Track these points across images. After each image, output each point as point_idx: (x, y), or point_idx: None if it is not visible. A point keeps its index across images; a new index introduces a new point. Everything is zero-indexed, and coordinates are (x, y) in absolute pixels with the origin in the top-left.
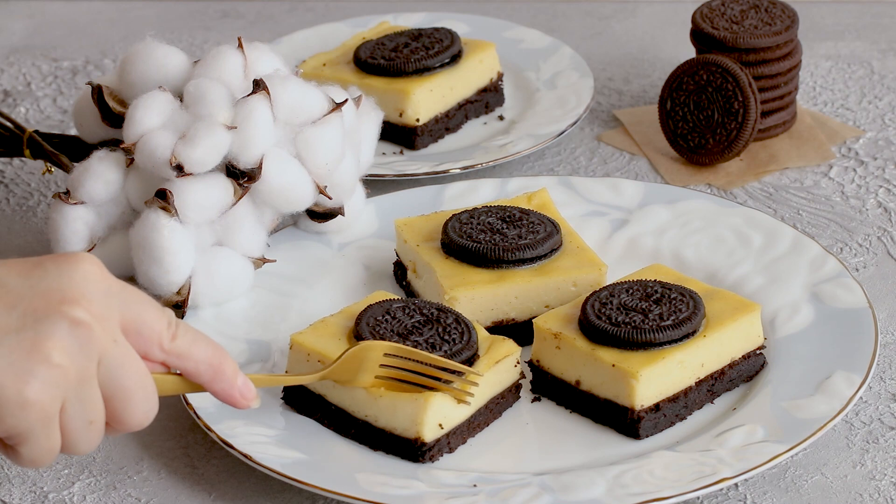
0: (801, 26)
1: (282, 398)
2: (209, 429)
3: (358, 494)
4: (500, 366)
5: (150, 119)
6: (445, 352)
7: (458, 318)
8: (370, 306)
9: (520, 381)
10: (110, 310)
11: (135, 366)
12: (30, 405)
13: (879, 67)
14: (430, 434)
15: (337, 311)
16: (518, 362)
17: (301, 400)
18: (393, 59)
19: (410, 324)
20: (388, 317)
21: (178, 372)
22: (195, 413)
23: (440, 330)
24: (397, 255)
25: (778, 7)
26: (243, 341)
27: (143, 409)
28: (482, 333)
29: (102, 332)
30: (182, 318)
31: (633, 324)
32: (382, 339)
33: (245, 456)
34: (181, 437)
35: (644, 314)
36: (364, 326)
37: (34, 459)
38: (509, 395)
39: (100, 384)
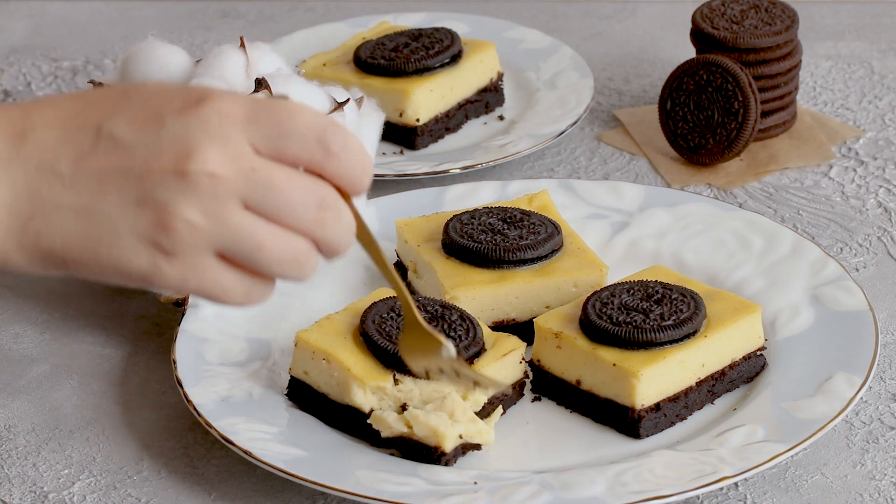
0: (801, 26)
1: (285, 394)
2: (209, 426)
3: (359, 491)
4: (506, 360)
5: None
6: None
7: (463, 315)
8: (375, 304)
9: (524, 380)
10: (240, 146)
11: (284, 180)
12: (167, 275)
13: (879, 67)
14: (450, 444)
15: (341, 307)
16: (523, 359)
17: (304, 397)
18: (393, 59)
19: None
20: (392, 314)
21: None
22: (195, 410)
23: (445, 327)
24: (398, 256)
25: (778, 7)
26: (244, 340)
27: (312, 209)
28: (486, 330)
29: (234, 172)
30: (183, 315)
31: (633, 323)
32: (389, 336)
33: (245, 452)
34: (181, 437)
35: (645, 314)
36: (370, 324)
37: (224, 297)
38: (513, 393)
39: (260, 215)
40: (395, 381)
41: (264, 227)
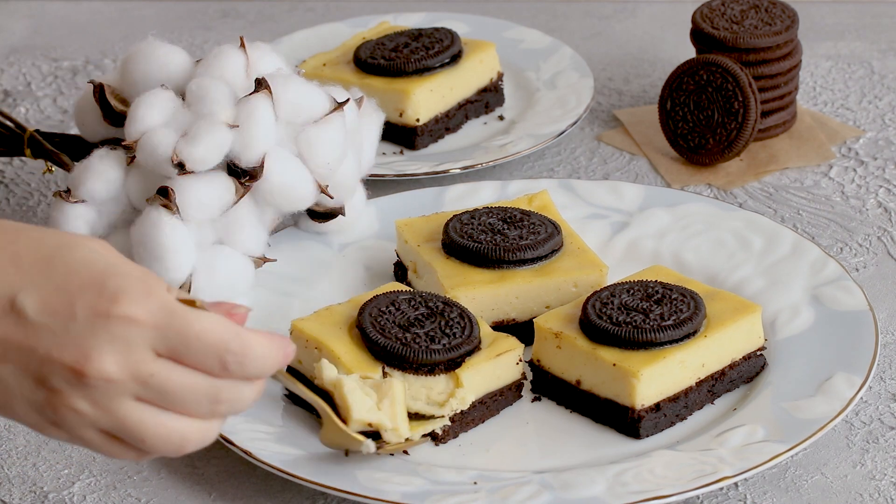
0: (801, 26)
1: (284, 395)
2: None
3: (358, 491)
4: (500, 360)
5: (152, 117)
6: (444, 345)
7: (463, 313)
8: (376, 297)
9: (521, 381)
10: (141, 352)
11: (181, 383)
12: (55, 436)
13: (879, 67)
14: (354, 426)
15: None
16: (520, 360)
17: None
18: (393, 59)
19: (413, 316)
20: (392, 308)
21: None
22: None
23: (442, 323)
24: (398, 256)
25: (778, 7)
26: None
27: (206, 405)
28: (486, 330)
29: (130, 378)
30: None
31: (633, 323)
32: (382, 329)
33: (245, 452)
34: None
35: (645, 314)
36: (366, 317)
37: (167, 448)
38: (509, 394)
39: (153, 405)
40: (384, 374)
41: (151, 417)
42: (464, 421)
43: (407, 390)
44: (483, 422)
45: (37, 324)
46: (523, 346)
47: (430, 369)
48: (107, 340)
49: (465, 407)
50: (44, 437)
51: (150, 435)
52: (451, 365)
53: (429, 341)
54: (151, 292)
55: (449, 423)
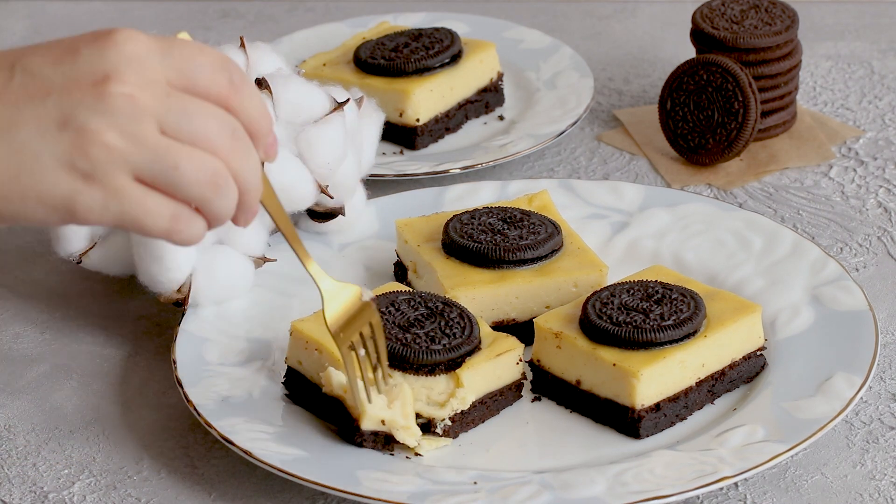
0: (801, 26)
1: (283, 382)
2: (209, 426)
3: (359, 491)
4: (500, 360)
5: None
6: (445, 345)
7: (463, 313)
8: (376, 297)
9: (521, 381)
10: (155, 73)
11: (198, 106)
12: (88, 202)
13: (879, 67)
14: (368, 423)
15: None
16: (520, 360)
17: (299, 387)
18: (393, 59)
19: (413, 316)
20: (392, 308)
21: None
22: (195, 410)
23: (442, 324)
24: (398, 256)
25: (778, 7)
26: (244, 340)
27: (223, 134)
28: (486, 330)
29: (151, 96)
30: (182, 315)
31: (634, 323)
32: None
33: (245, 452)
34: (181, 437)
35: (645, 314)
36: None
37: (149, 220)
38: (509, 393)
39: (174, 139)
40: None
41: (181, 147)
42: (464, 421)
43: (407, 391)
44: (483, 422)
45: (44, 74)
46: (523, 346)
47: (430, 369)
48: (119, 60)
49: (466, 407)
50: (41, 439)
51: (183, 164)
52: (452, 365)
53: (429, 341)
54: (140, 32)
55: (449, 423)
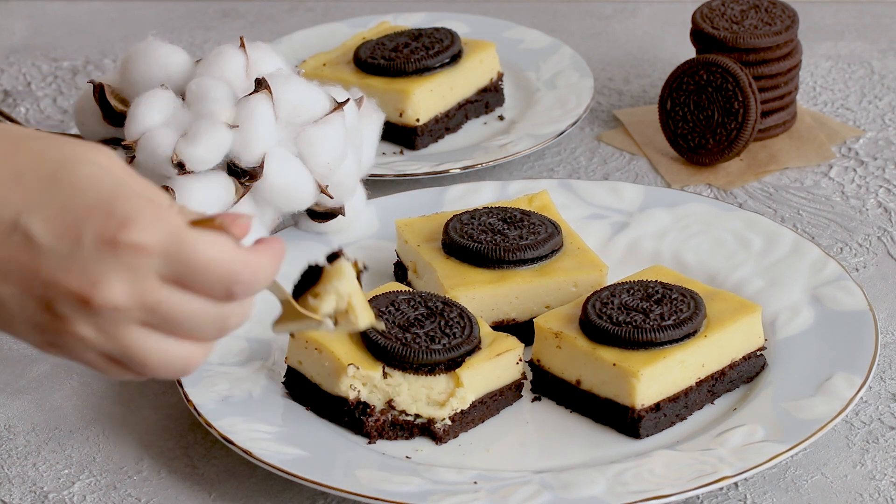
0: (801, 26)
1: (283, 382)
2: (209, 425)
3: (359, 491)
4: (500, 360)
5: (152, 117)
6: (444, 345)
7: (463, 313)
8: (376, 297)
9: (521, 381)
10: (148, 281)
11: (188, 311)
12: (57, 355)
13: (879, 67)
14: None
15: None
16: (520, 360)
17: (299, 387)
18: (393, 59)
19: (413, 316)
20: (391, 308)
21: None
22: (195, 410)
23: (442, 323)
24: (398, 256)
25: (778, 7)
26: (243, 339)
27: (212, 331)
28: (486, 329)
29: (137, 307)
30: None
31: (634, 323)
32: (382, 330)
33: (245, 452)
34: (181, 437)
35: (645, 314)
36: None
37: (169, 373)
38: (509, 393)
39: (159, 331)
40: (385, 374)
41: (156, 343)
42: (464, 420)
43: (407, 391)
44: (483, 421)
45: (42, 246)
46: (523, 345)
47: (430, 369)
48: (114, 268)
49: (466, 406)
50: (41, 439)
51: (152, 361)
52: (452, 365)
53: (429, 341)
54: (161, 217)
55: (449, 423)
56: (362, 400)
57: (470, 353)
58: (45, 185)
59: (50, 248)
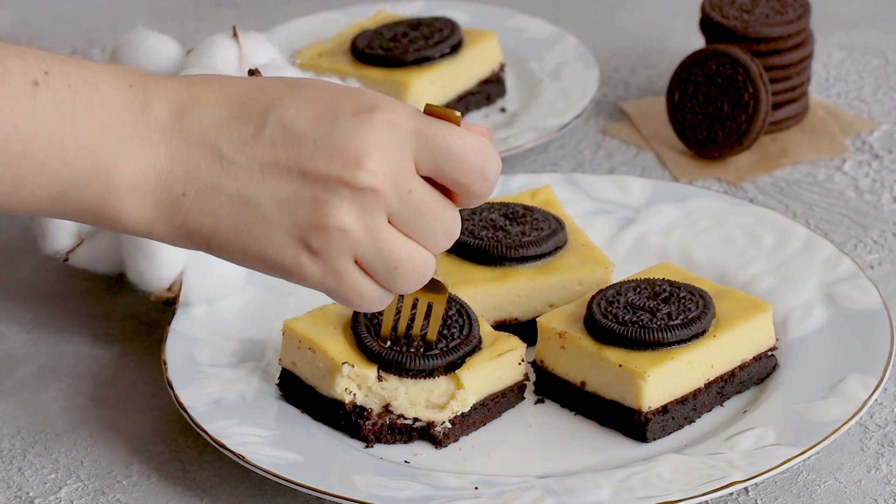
0: (814, 15)
1: (277, 384)
2: (201, 429)
3: (355, 496)
4: (501, 360)
5: None
6: (442, 348)
7: (462, 311)
8: None
9: (524, 383)
10: (405, 161)
11: (433, 207)
12: (308, 273)
13: (895, 58)
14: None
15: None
16: (522, 360)
17: (294, 389)
18: (391, 49)
19: (409, 316)
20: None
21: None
22: (186, 413)
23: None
24: None
25: None
26: (237, 340)
27: (444, 237)
28: (487, 329)
29: (392, 190)
30: (173, 315)
31: (640, 323)
32: (377, 330)
33: (238, 456)
34: (172, 441)
35: (652, 313)
36: (360, 317)
37: (359, 302)
38: (511, 395)
39: (400, 231)
40: (380, 378)
41: (404, 242)
42: (465, 423)
43: (405, 395)
44: (485, 424)
45: (298, 133)
46: (525, 345)
47: (428, 372)
48: (374, 144)
49: (466, 409)
50: (27, 443)
51: (403, 261)
52: (451, 366)
53: (425, 344)
54: (407, 106)
55: (449, 426)
56: (358, 404)
57: (470, 353)
58: (289, 86)
59: (306, 133)
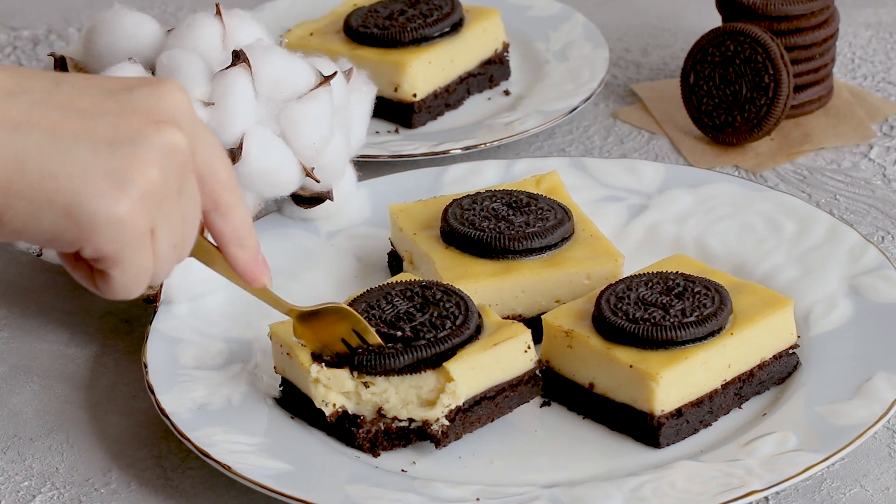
0: None
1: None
2: (184, 436)
3: None
4: (500, 350)
5: None
6: (428, 340)
7: (460, 303)
8: (370, 290)
9: (536, 373)
10: (193, 143)
11: (196, 203)
12: (123, 222)
13: None
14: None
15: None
16: (529, 347)
17: (292, 398)
18: (387, 27)
19: (405, 309)
20: (382, 302)
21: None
22: (168, 419)
23: (435, 315)
24: (392, 245)
25: None
26: (221, 340)
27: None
28: (494, 319)
29: (188, 160)
30: (154, 313)
31: (652, 320)
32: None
33: (224, 466)
34: (153, 446)
35: (665, 310)
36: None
37: (126, 284)
38: (523, 388)
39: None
40: (366, 385)
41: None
42: (466, 420)
43: (395, 395)
44: (492, 420)
45: (94, 93)
46: (530, 331)
47: (413, 368)
48: (177, 110)
49: (460, 402)
50: (1, 447)
51: (186, 242)
52: (438, 359)
53: (415, 336)
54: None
55: (447, 423)
56: (350, 412)
57: (461, 345)
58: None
59: (106, 93)
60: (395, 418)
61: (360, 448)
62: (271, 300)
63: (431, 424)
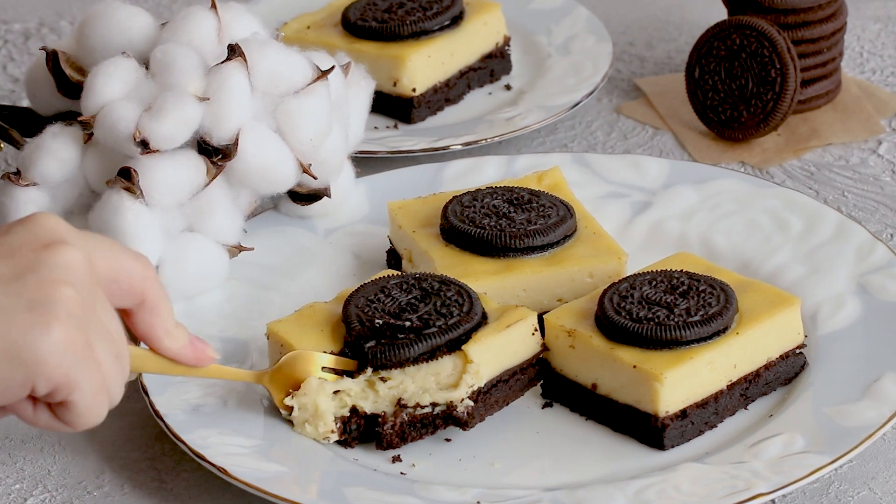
0: None
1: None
2: (179, 439)
3: None
4: (511, 332)
5: (112, 88)
6: (440, 326)
7: (462, 291)
8: (364, 285)
9: (541, 355)
10: (89, 253)
11: (112, 312)
12: (62, 343)
13: None
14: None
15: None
16: (535, 330)
17: None
18: (386, 21)
19: (405, 301)
20: (381, 295)
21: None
22: (163, 421)
23: (438, 304)
24: (391, 242)
25: None
26: (217, 340)
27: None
28: (493, 305)
29: (91, 271)
30: None
31: (656, 320)
32: (370, 320)
33: (219, 469)
34: (147, 448)
35: (669, 309)
36: (352, 309)
37: (89, 405)
38: (530, 370)
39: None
40: (383, 379)
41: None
42: (487, 402)
43: (413, 384)
44: (507, 404)
45: None
46: (535, 313)
47: (430, 354)
48: (56, 230)
49: (482, 383)
50: None
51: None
52: (454, 344)
53: (423, 325)
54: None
55: (471, 404)
56: (369, 412)
57: (474, 329)
58: None
59: None
60: (417, 405)
61: (389, 446)
62: (229, 374)
63: (457, 406)
